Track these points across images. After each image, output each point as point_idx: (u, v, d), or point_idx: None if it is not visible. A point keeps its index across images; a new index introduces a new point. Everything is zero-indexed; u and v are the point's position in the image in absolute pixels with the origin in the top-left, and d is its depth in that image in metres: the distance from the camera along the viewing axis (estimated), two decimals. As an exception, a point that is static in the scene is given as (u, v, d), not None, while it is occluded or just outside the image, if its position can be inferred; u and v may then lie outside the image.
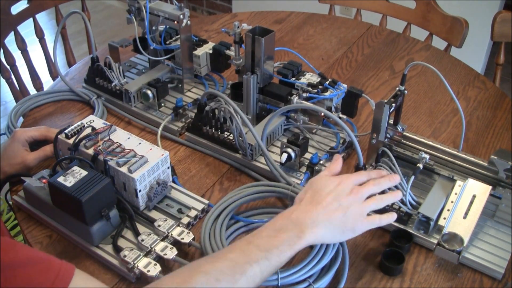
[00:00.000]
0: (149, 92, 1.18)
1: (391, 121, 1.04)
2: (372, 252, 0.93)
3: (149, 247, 0.87)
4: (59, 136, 0.98)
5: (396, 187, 0.94)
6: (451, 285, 0.87)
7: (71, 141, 0.96)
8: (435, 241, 0.91)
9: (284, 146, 1.04)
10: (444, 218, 0.91)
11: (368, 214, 0.83)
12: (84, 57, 1.49)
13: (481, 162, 0.98)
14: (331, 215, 0.79)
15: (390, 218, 0.85)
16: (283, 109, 1.00)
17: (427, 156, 0.96)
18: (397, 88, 1.01)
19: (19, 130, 1.05)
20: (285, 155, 1.03)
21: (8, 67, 1.64)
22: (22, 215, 0.99)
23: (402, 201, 0.94)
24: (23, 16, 1.63)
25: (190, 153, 1.14)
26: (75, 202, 0.84)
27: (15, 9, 1.60)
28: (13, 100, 1.70)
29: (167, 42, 1.28)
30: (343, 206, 0.80)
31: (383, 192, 0.88)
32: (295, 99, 1.11)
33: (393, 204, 0.96)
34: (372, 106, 1.09)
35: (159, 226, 0.91)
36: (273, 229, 0.78)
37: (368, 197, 0.84)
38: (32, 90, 1.74)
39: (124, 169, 0.91)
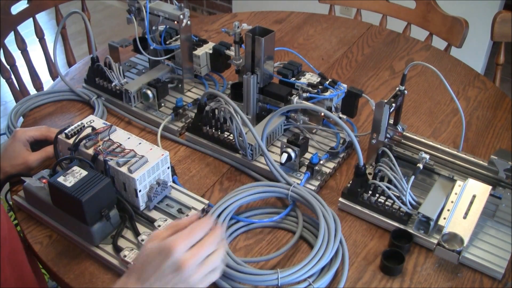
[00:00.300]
0: (149, 92, 1.18)
1: (391, 121, 1.04)
2: (372, 252, 0.93)
3: (149, 247, 0.87)
4: (59, 136, 0.98)
5: (396, 187, 0.95)
6: (451, 285, 0.87)
7: (71, 141, 0.96)
8: (435, 241, 0.91)
9: (284, 146, 1.04)
10: (444, 218, 0.91)
11: None
12: (84, 57, 1.49)
13: (481, 162, 0.98)
14: None
15: (220, 271, 0.77)
16: (283, 109, 1.00)
17: (427, 156, 0.96)
18: (397, 88, 1.01)
19: (19, 130, 1.05)
20: (285, 155, 1.03)
21: (8, 67, 1.64)
22: (22, 215, 0.99)
23: (402, 201, 0.94)
24: (23, 16, 1.62)
25: (190, 153, 1.14)
26: (75, 202, 0.84)
27: (15, 9, 1.59)
28: (13, 100, 1.70)
29: (167, 42, 1.28)
30: (168, 286, 0.72)
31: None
32: (295, 99, 1.11)
33: (393, 203, 0.96)
34: (372, 106, 1.09)
35: (159, 226, 0.91)
36: None
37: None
38: (32, 90, 1.74)
39: (124, 169, 0.91)
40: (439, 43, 1.59)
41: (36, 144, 1.05)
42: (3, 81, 1.65)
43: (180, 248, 0.72)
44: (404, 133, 1.05)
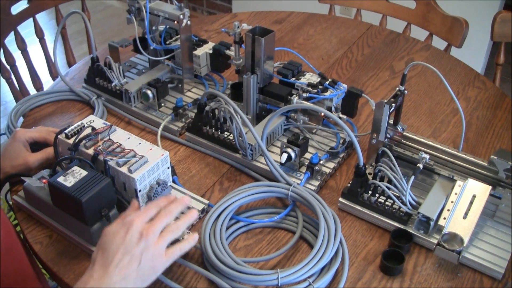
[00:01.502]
0: (149, 92, 1.18)
1: (391, 121, 1.04)
2: (372, 252, 0.93)
3: (149, 247, 0.87)
4: (59, 136, 0.98)
5: (396, 187, 0.95)
6: (451, 285, 0.87)
7: (71, 141, 0.96)
8: (435, 241, 0.91)
9: (284, 146, 1.04)
10: (444, 218, 0.91)
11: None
12: (84, 57, 1.49)
13: (481, 162, 0.98)
14: (125, 271, 0.75)
15: (191, 242, 0.83)
16: (283, 109, 1.00)
17: (427, 156, 0.96)
18: (397, 88, 1.01)
19: (20, 130, 1.05)
20: (285, 155, 1.03)
21: (8, 67, 1.64)
22: (22, 215, 0.99)
23: (402, 201, 0.94)
24: (23, 16, 1.62)
25: (190, 153, 1.14)
26: (75, 202, 0.84)
27: (15, 9, 1.59)
28: (13, 100, 1.70)
29: (167, 42, 1.28)
30: (136, 256, 0.76)
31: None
32: (295, 99, 1.11)
33: (393, 203, 0.96)
34: (372, 106, 1.09)
35: (159, 226, 0.91)
36: None
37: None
38: (32, 90, 1.74)
39: (124, 169, 0.91)
40: (439, 43, 1.59)
41: (35, 145, 1.05)
42: (3, 81, 1.65)
43: (139, 220, 0.78)
44: (404, 133, 1.05)
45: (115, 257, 0.76)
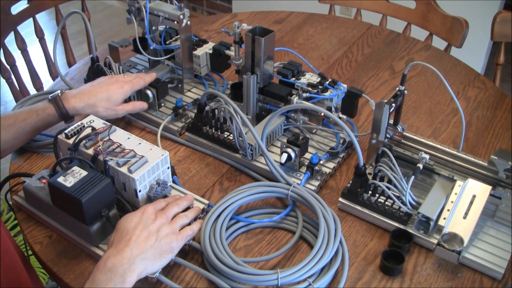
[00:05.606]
0: (149, 92, 1.18)
1: (391, 121, 1.04)
2: (372, 252, 0.93)
3: (149, 247, 0.87)
4: (59, 136, 0.98)
5: (396, 187, 0.95)
6: (451, 285, 0.87)
7: (71, 141, 0.96)
8: (435, 241, 0.91)
9: (284, 146, 1.04)
10: (444, 218, 0.91)
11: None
12: (84, 57, 1.49)
13: (481, 162, 0.98)
14: (144, 245, 0.81)
15: (198, 225, 0.91)
16: (283, 109, 1.00)
17: (427, 156, 0.96)
18: (397, 88, 1.01)
19: (129, 85, 1.11)
20: (285, 155, 1.03)
21: (8, 67, 1.64)
22: (22, 215, 0.99)
23: (402, 201, 0.94)
24: (23, 16, 1.62)
25: (190, 153, 1.14)
26: (75, 202, 0.84)
27: (15, 9, 1.59)
28: (13, 100, 1.70)
29: (167, 42, 1.28)
30: (153, 231, 0.83)
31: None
32: (295, 99, 1.11)
33: (393, 203, 0.96)
34: (372, 106, 1.09)
35: (159, 226, 0.91)
36: (97, 284, 0.77)
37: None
38: (32, 90, 1.74)
39: (124, 169, 0.91)
40: (439, 43, 1.59)
41: None
42: (3, 81, 1.65)
43: (152, 207, 0.87)
44: (404, 133, 1.05)
45: (134, 232, 0.82)
